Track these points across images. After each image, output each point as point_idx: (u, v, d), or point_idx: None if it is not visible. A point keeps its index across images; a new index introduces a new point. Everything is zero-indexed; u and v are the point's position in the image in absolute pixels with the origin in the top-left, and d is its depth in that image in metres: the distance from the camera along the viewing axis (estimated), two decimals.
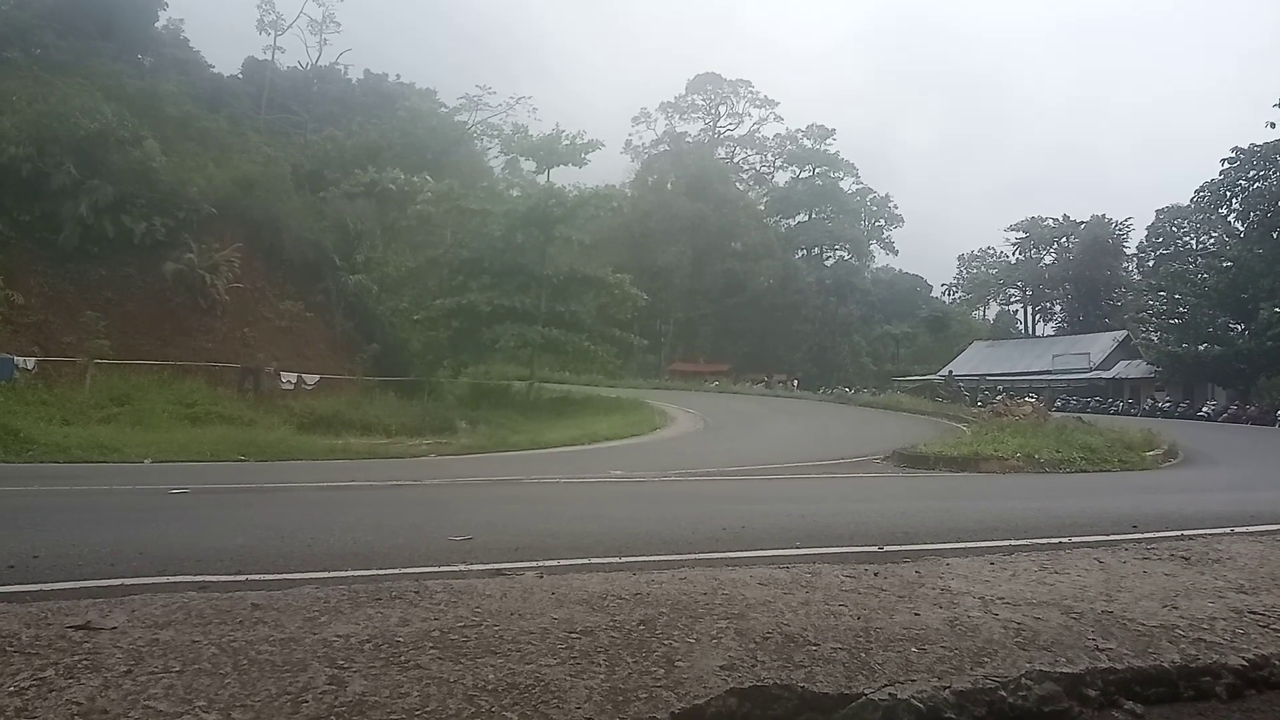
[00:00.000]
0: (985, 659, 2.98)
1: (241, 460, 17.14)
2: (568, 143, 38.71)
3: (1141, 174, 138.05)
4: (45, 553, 5.50)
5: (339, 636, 3.02)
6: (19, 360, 24.52)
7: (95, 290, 29.60)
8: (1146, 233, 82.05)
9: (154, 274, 30.46)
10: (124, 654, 2.75)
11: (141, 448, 16.61)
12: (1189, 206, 75.48)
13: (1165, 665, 3.07)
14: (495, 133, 58.05)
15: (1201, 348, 50.21)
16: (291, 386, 29.77)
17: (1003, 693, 2.78)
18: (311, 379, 30.81)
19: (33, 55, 39.93)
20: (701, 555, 5.66)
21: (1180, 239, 79.90)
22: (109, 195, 29.97)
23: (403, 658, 2.82)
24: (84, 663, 2.65)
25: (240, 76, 63.29)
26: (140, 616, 3.24)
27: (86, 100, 31.78)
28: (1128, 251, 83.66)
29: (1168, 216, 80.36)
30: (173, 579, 4.64)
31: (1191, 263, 63.72)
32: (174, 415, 23.19)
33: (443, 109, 64.33)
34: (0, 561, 5.15)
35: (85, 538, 6.28)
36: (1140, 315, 60.87)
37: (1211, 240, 69.91)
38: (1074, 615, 3.61)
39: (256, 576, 4.72)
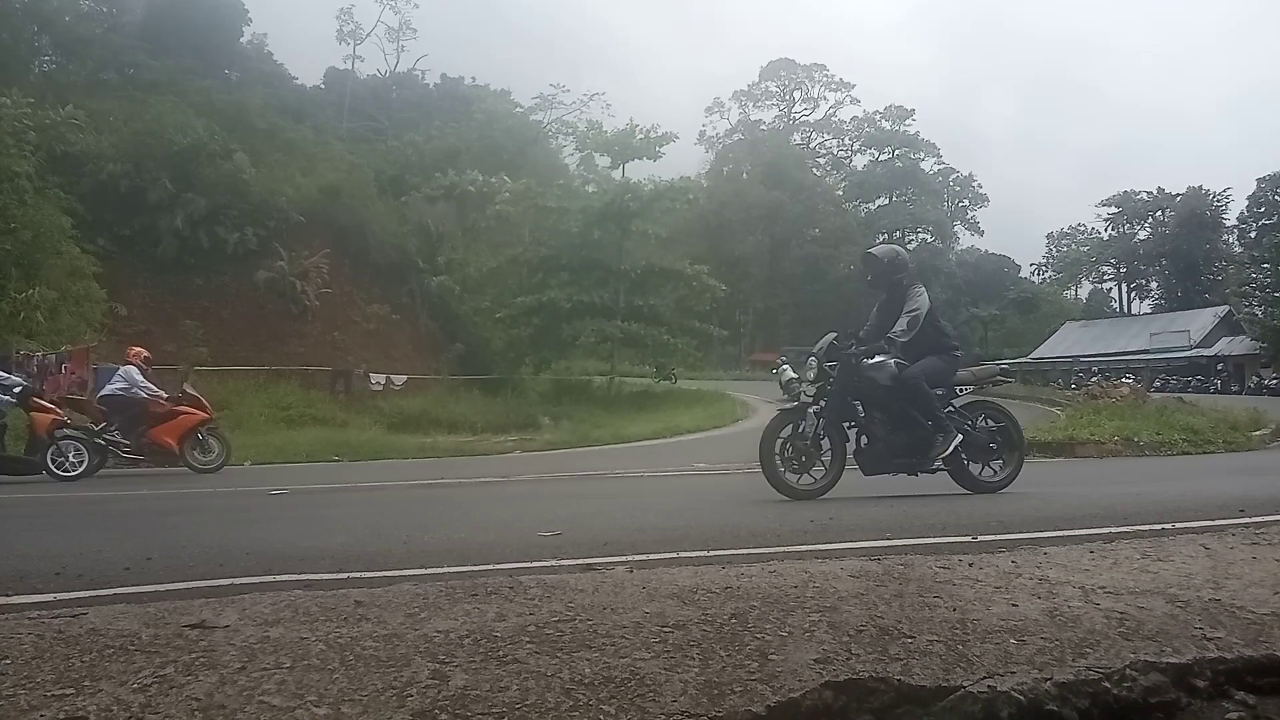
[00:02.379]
0: (1087, 650, 2.91)
1: (336, 460, 17.62)
2: (641, 137, 38.69)
3: (1240, 139, 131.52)
4: (158, 554, 5.73)
5: (439, 632, 3.09)
6: None
7: (193, 300, 30.81)
8: (1247, 202, 77.83)
9: (248, 282, 31.57)
10: (238, 651, 2.85)
11: (241, 450, 17.18)
12: None
13: (1278, 654, 2.95)
14: (570, 130, 58.75)
15: None
16: (380, 387, 30.52)
17: (1106, 684, 2.71)
18: (399, 379, 31.53)
19: (126, 76, 41.80)
20: (790, 548, 5.62)
21: None
22: (203, 208, 31.16)
23: (501, 652, 2.87)
24: (201, 660, 2.76)
25: (322, 86, 65.17)
26: (250, 615, 3.36)
27: (179, 116, 33.07)
28: (1228, 223, 79.46)
29: (1270, 184, 76.29)
30: (279, 577, 4.79)
31: None
32: (270, 418, 24.00)
33: (518, 109, 65.22)
34: (117, 564, 5.39)
35: (194, 539, 6.53)
36: (1243, 289, 58.07)
37: None
38: (1180, 604, 3.49)
39: (358, 574, 4.83)
